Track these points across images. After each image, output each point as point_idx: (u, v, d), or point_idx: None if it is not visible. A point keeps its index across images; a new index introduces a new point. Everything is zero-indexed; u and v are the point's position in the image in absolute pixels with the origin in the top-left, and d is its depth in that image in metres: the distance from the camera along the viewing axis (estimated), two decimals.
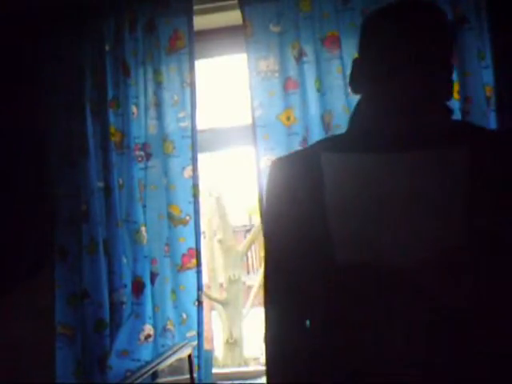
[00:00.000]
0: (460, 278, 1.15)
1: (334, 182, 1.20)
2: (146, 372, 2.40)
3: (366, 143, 1.26)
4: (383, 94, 1.24)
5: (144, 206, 2.60)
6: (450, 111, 1.31)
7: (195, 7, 2.63)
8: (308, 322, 1.32)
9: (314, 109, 2.50)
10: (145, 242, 2.59)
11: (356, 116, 1.35)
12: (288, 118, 2.53)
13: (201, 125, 2.65)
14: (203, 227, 2.77)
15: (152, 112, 2.64)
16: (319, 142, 1.42)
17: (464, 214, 1.14)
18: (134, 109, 2.63)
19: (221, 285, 8.84)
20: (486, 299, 1.16)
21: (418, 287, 1.15)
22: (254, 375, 5.19)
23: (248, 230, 10.48)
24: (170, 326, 2.57)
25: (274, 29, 2.56)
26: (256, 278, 9.22)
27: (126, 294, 2.55)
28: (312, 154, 1.33)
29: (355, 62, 1.34)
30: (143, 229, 2.59)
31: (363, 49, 1.31)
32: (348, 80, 1.38)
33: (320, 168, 1.25)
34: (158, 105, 2.63)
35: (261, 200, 2.47)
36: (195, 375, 2.49)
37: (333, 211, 1.19)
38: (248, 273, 10.80)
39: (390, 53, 1.22)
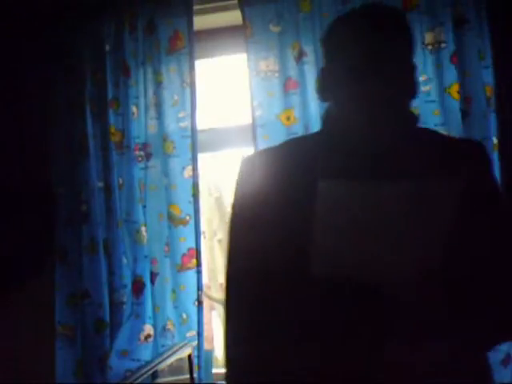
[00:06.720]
0: (434, 295, 1.17)
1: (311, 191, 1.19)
2: (145, 372, 2.40)
3: (336, 146, 1.28)
4: (351, 99, 1.26)
5: (144, 206, 2.60)
6: (416, 118, 1.35)
7: (195, 7, 2.63)
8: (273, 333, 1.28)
9: (313, 109, 2.50)
10: (145, 241, 2.59)
11: (327, 119, 1.36)
12: (288, 118, 2.53)
13: (201, 125, 2.64)
14: (203, 227, 2.77)
15: (152, 112, 2.64)
16: (288, 142, 1.42)
17: (441, 233, 1.15)
18: (133, 109, 2.63)
19: (221, 285, 8.83)
20: (458, 315, 1.19)
21: (392, 303, 1.16)
22: None
23: None
24: (169, 326, 2.57)
25: (274, 29, 2.56)
26: None
27: (125, 294, 2.55)
28: (284, 153, 1.34)
29: (322, 71, 1.36)
30: (143, 229, 2.59)
31: (328, 56, 1.34)
32: (316, 89, 1.40)
33: (298, 169, 1.26)
34: (158, 105, 2.63)
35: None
36: (195, 375, 2.49)
37: (311, 221, 1.17)
38: None
39: (352, 57, 1.24)
